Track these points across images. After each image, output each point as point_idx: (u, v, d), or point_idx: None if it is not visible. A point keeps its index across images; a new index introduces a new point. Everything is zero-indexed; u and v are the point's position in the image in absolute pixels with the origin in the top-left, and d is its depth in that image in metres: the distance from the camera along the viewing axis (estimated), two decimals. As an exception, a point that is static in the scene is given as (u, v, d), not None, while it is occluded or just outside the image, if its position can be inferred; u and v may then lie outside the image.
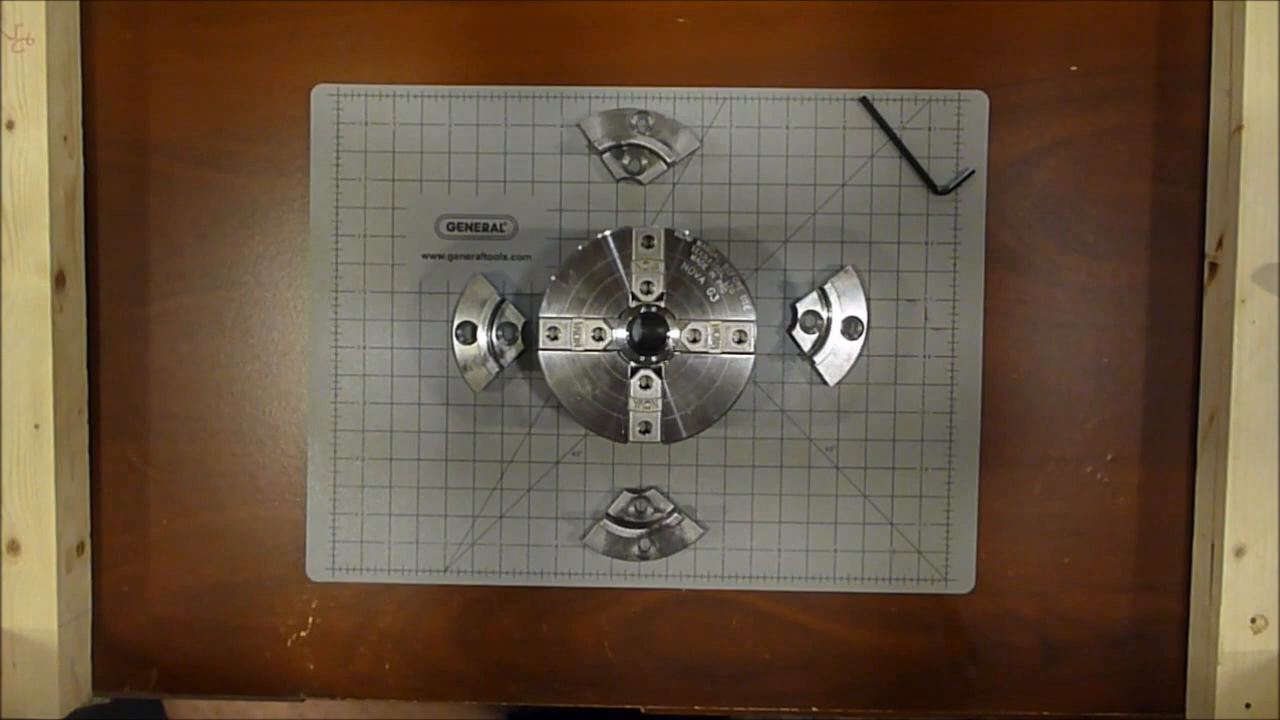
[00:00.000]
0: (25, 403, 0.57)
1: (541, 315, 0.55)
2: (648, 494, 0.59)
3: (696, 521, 0.59)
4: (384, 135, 0.60)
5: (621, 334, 0.55)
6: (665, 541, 0.59)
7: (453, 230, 0.60)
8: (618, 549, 0.59)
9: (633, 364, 0.55)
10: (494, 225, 0.60)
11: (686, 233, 0.55)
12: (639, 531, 0.59)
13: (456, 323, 0.58)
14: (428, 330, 0.60)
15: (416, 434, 0.60)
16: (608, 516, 0.59)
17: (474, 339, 0.58)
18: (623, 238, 0.55)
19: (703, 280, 0.55)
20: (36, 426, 0.57)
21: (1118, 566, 0.60)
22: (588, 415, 0.56)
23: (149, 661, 0.61)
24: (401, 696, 0.61)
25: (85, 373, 0.60)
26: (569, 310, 0.55)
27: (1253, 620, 0.55)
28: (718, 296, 0.55)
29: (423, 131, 0.60)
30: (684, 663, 0.60)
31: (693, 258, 0.55)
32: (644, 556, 0.59)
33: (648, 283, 0.55)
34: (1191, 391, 0.59)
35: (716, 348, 0.55)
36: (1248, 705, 0.55)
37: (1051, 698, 0.60)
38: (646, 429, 0.55)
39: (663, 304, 0.55)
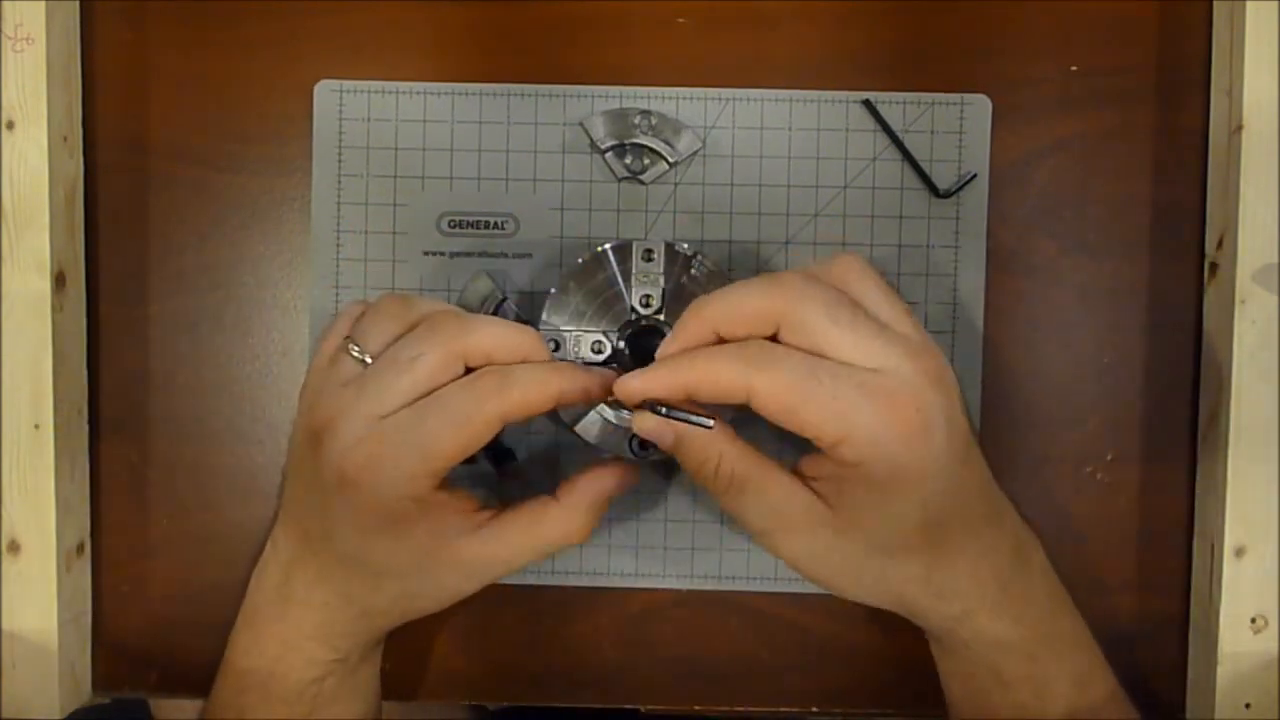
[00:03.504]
0: (25, 403, 0.57)
1: (542, 326, 0.55)
2: None
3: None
4: (386, 131, 0.60)
5: (621, 347, 0.55)
6: None
7: (454, 228, 0.60)
8: (613, 441, 0.56)
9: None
10: (495, 223, 0.60)
11: (686, 246, 0.55)
12: None
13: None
14: (428, 330, 0.60)
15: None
16: (606, 403, 0.55)
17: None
18: (623, 251, 0.55)
19: (703, 294, 0.55)
20: (36, 426, 0.57)
21: (1118, 566, 0.60)
22: (585, 427, 0.55)
23: (149, 661, 0.61)
24: (401, 696, 0.61)
25: (85, 373, 0.60)
26: (569, 322, 0.55)
27: (1253, 620, 0.56)
28: None
29: (425, 128, 0.59)
30: (684, 663, 0.60)
31: (693, 271, 0.55)
32: (642, 453, 0.56)
33: (647, 296, 0.55)
34: (1191, 391, 0.59)
35: None
36: (1248, 705, 0.56)
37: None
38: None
39: (662, 317, 0.55)
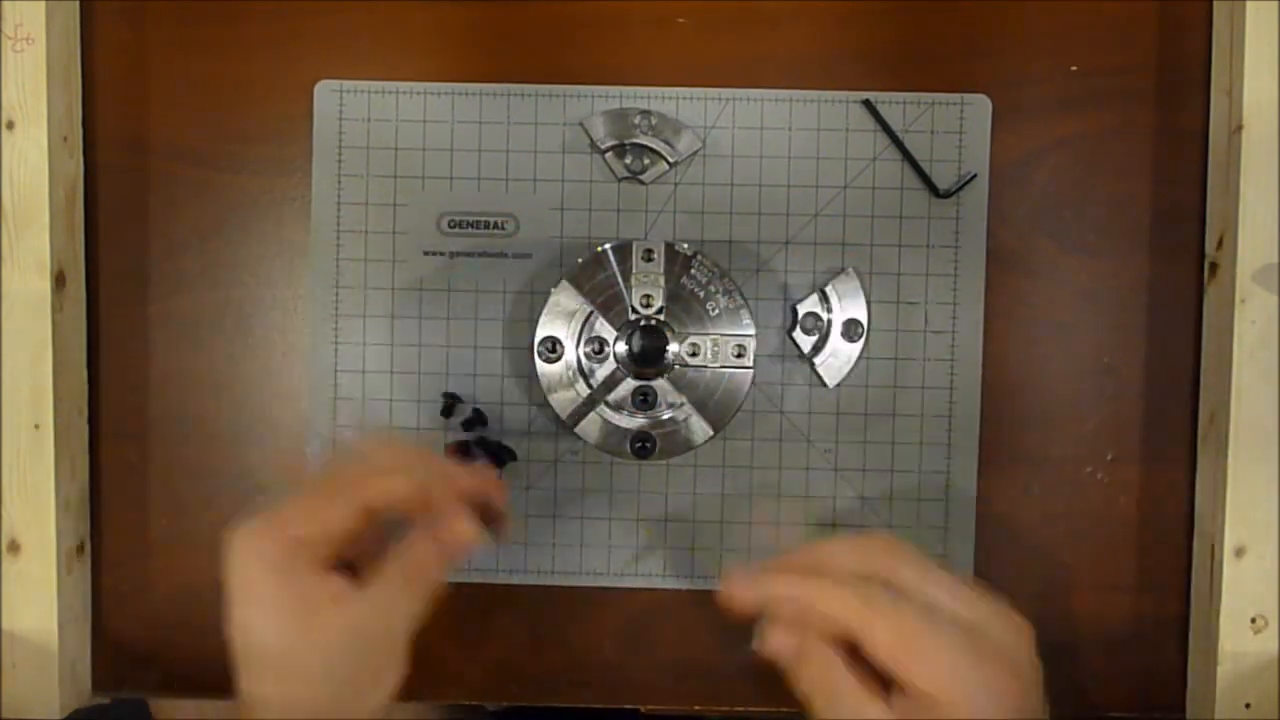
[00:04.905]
0: (25, 403, 0.57)
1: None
2: (655, 384, 0.55)
3: (707, 421, 0.56)
4: (387, 131, 0.60)
5: (621, 347, 0.55)
6: (669, 440, 0.56)
7: (454, 228, 0.60)
8: (613, 441, 0.56)
9: (631, 378, 0.55)
10: (495, 223, 0.60)
11: (686, 246, 0.55)
12: (641, 422, 0.56)
13: (539, 337, 0.55)
14: (428, 327, 0.60)
15: (415, 431, 0.60)
16: (606, 403, 0.56)
17: (553, 353, 0.56)
18: (623, 251, 0.55)
19: (702, 294, 0.55)
20: (36, 426, 0.57)
21: (1118, 566, 0.60)
22: (585, 428, 0.55)
23: (149, 661, 0.61)
24: (401, 696, 0.60)
25: (85, 373, 0.60)
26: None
27: (1253, 620, 0.56)
28: (717, 310, 0.55)
29: (425, 128, 0.60)
30: (684, 663, 0.60)
31: (693, 271, 0.55)
32: (643, 453, 0.56)
33: (647, 296, 0.55)
34: (1191, 391, 0.59)
35: (715, 361, 0.55)
36: (1248, 705, 0.56)
37: (1051, 698, 0.60)
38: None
39: (662, 317, 0.55)
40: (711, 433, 0.55)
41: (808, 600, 0.45)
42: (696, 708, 0.61)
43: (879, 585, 0.45)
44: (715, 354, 0.55)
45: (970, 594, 0.46)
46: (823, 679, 0.46)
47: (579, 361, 0.55)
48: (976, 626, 0.45)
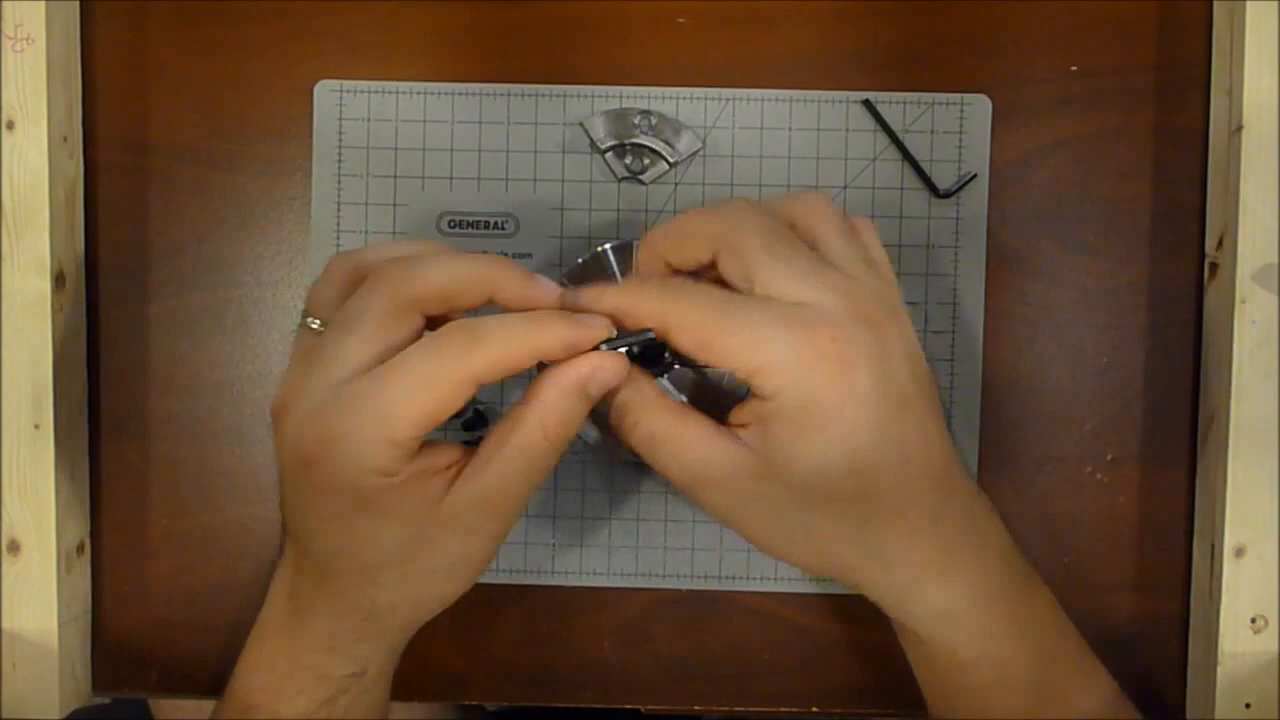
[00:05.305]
0: (25, 403, 0.57)
1: None
2: (661, 381, 0.53)
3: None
4: (387, 131, 0.60)
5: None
6: None
7: (454, 227, 0.60)
8: (613, 441, 0.54)
9: None
10: (495, 223, 0.60)
11: None
12: None
13: None
14: (428, 329, 0.60)
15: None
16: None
17: None
18: (623, 251, 0.55)
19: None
20: (36, 426, 0.57)
21: (1118, 566, 0.60)
22: (585, 428, 0.55)
23: (149, 661, 0.61)
24: (402, 697, 0.61)
25: (85, 373, 0.60)
26: None
27: (1253, 620, 0.55)
28: None
29: (425, 128, 0.59)
30: (684, 663, 0.60)
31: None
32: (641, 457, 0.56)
33: None
34: (1191, 391, 0.59)
35: None
36: (1248, 705, 0.55)
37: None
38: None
39: None
40: None
41: (620, 316, 0.45)
42: (696, 708, 0.61)
43: (677, 282, 0.46)
44: None
45: (808, 273, 0.44)
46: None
47: None
48: (804, 301, 0.44)
